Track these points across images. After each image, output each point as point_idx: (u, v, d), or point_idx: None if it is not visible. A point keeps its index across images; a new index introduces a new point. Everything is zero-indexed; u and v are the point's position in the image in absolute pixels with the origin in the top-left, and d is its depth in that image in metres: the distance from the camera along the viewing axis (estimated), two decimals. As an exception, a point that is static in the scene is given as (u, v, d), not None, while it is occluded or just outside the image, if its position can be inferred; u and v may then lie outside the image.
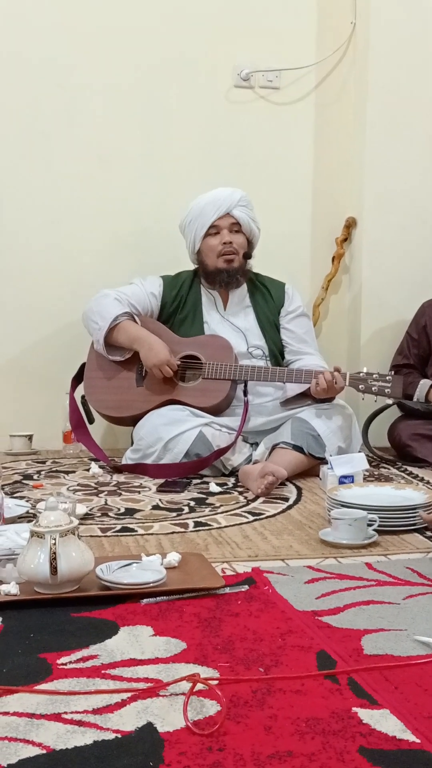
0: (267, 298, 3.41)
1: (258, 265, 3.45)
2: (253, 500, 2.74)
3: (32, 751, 1.19)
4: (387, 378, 3.06)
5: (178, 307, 3.37)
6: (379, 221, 3.84)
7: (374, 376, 3.07)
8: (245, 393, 3.20)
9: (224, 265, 3.30)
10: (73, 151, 3.70)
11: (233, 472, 3.10)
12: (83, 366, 3.41)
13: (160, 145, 3.77)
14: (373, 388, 3.06)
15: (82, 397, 3.39)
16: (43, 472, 3.20)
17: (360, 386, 3.08)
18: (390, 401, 3.13)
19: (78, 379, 3.42)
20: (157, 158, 3.77)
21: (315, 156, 3.93)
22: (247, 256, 3.37)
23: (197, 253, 3.34)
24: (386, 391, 3.05)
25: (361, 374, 3.09)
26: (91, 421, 3.39)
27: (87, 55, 3.67)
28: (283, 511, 2.61)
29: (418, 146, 3.83)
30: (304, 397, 3.17)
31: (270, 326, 3.38)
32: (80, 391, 3.40)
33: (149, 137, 3.76)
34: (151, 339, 3.20)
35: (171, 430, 3.08)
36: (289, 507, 2.66)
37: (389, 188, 3.82)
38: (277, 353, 3.37)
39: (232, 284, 3.35)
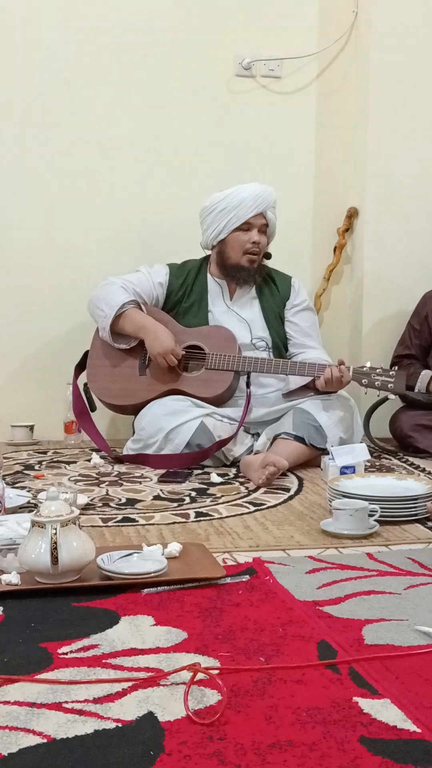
0: (273, 291, 3.41)
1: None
2: (255, 491, 2.74)
3: (33, 740, 1.19)
4: (390, 373, 3.06)
5: (183, 296, 3.36)
6: (380, 212, 3.83)
7: (378, 370, 3.07)
8: (248, 384, 3.19)
9: (247, 264, 3.29)
10: (75, 143, 3.69)
11: (234, 463, 3.10)
12: (86, 354, 3.40)
13: (161, 135, 3.76)
14: (376, 383, 3.06)
15: (85, 384, 3.38)
16: (44, 463, 3.20)
17: (363, 381, 3.08)
18: (392, 396, 3.13)
19: (81, 366, 3.42)
20: (159, 149, 3.76)
21: (317, 146, 3.92)
22: (267, 256, 3.37)
23: (220, 242, 3.31)
24: (389, 386, 3.05)
25: (364, 368, 3.09)
26: (93, 408, 3.39)
27: (88, 47, 3.66)
28: (285, 501, 2.61)
29: (421, 136, 3.81)
30: (306, 389, 3.17)
31: (275, 318, 3.38)
32: (83, 379, 3.40)
33: (151, 128, 3.75)
34: (157, 328, 3.19)
35: (172, 420, 3.07)
36: (291, 497, 2.66)
37: (391, 178, 3.81)
38: (280, 345, 3.36)
39: (249, 282, 3.34)
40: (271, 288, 3.41)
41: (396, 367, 3.18)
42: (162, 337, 3.17)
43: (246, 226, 3.24)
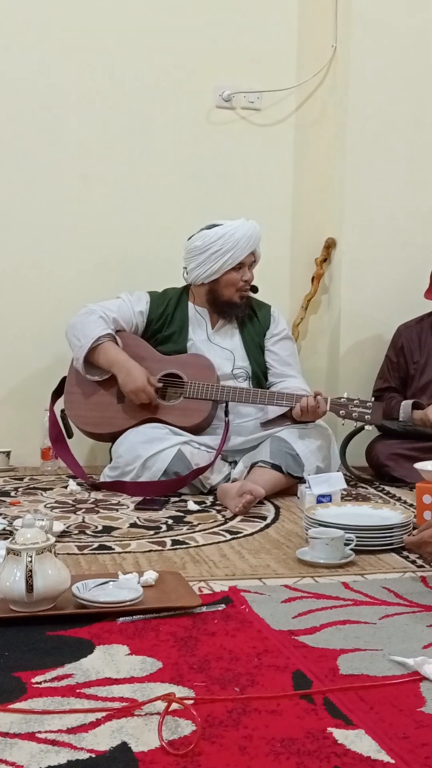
0: (253, 320, 3.42)
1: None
2: (231, 519, 2.74)
3: (5, 771, 1.18)
4: (368, 404, 3.08)
5: (163, 325, 3.37)
6: (358, 242, 3.87)
7: (355, 402, 3.09)
8: (226, 413, 3.20)
9: (239, 300, 3.32)
10: (55, 170, 3.70)
11: (212, 491, 3.10)
12: (64, 380, 3.40)
13: (142, 164, 3.78)
14: (353, 414, 3.08)
15: (62, 411, 3.38)
16: (20, 489, 3.19)
17: (341, 411, 3.10)
18: (369, 428, 3.16)
19: (58, 392, 3.41)
20: (139, 178, 3.78)
21: (295, 177, 3.96)
22: (254, 289, 3.39)
23: (212, 282, 3.30)
24: (366, 417, 3.07)
25: (342, 399, 3.11)
26: (70, 435, 3.38)
27: (69, 74, 3.68)
28: (261, 529, 2.61)
29: (398, 169, 3.86)
30: (284, 418, 3.18)
31: (255, 348, 3.39)
32: (60, 405, 3.39)
33: (131, 157, 3.77)
34: (129, 364, 3.19)
35: (149, 448, 3.07)
36: (267, 526, 2.66)
37: (369, 210, 3.86)
38: (260, 374, 3.38)
39: (239, 316, 3.36)
40: (251, 317, 3.42)
41: (373, 398, 3.20)
42: (135, 374, 3.16)
43: (238, 266, 3.26)
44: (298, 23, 3.90)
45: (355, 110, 3.82)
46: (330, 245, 3.95)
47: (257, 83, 3.86)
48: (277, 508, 2.89)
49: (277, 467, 3.02)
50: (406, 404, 3.46)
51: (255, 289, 3.40)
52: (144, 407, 3.22)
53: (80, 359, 3.23)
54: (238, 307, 3.33)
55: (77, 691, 1.44)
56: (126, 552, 2.33)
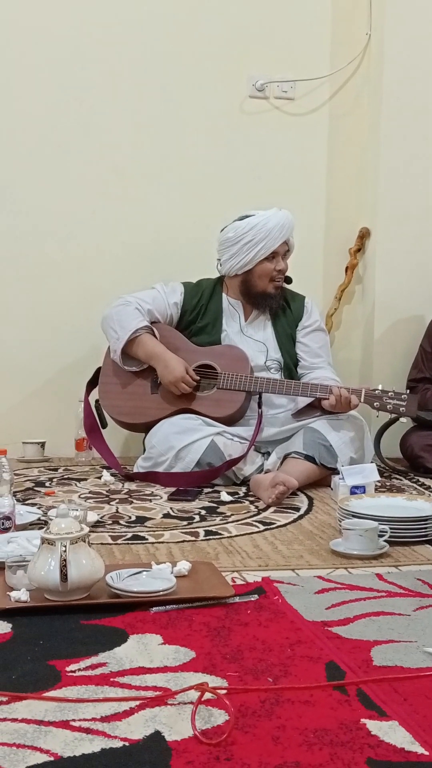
0: (286, 311, 3.41)
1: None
2: (264, 510, 2.74)
3: (40, 758, 1.19)
4: (402, 396, 3.06)
5: (198, 316, 3.37)
6: (392, 232, 3.84)
7: (390, 393, 3.07)
8: (259, 405, 3.20)
9: (273, 291, 3.31)
10: (89, 162, 3.72)
11: (244, 481, 3.10)
12: (98, 371, 3.42)
13: (175, 155, 3.79)
14: (388, 406, 3.06)
15: (96, 401, 3.40)
16: (55, 480, 3.21)
17: (375, 404, 3.08)
18: (404, 420, 3.13)
19: (93, 383, 3.43)
20: (172, 169, 3.79)
21: (329, 166, 3.94)
22: (288, 280, 3.38)
23: (246, 272, 3.30)
24: (401, 409, 3.05)
25: (376, 391, 3.09)
26: (105, 425, 3.40)
27: (102, 67, 3.70)
28: (294, 520, 2.61)
29: (432, 157, 3.83)
30: (314, 408, 3.17)
31: (287, 339, 3.38)
32: (95, 395, 3.41)
33: (165, 148, 3.78)
34: (167, 356, 3.20)
35: (183, 438, 3.08)
36: (300, 517, 2.66)
37: (403, 199, 3.83)
38: (291, 366, 3.37)
39: (273, 307, 3.35)
40: (284, 309, 3.41)
41: (408, 390, 3.18)
42: (172, 365, 3.17)
43: (271, 255, 3.25)
44: (331, 11, 3.88)
45: (389, 99, 3.79)
46: (364, 235, 3.92)
47: (291, 72, 3.84)
48: (310, 499, 2.88)
49: (310, 458, 3.01)
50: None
51: (289, 280, 3.38)
52: (178, 397, 3.23)
53: (118, 351, 3.24)
54: (272, 298, 3.32)
55: (111, 679, 1.45)
56: (159, 542, 2.34)
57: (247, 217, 3.26)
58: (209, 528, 2.50)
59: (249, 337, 3.35)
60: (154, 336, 3.27)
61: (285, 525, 2.55)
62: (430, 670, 1.49)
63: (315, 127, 3.92)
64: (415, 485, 3.15)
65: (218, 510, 2.74)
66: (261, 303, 3.34)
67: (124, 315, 3.27)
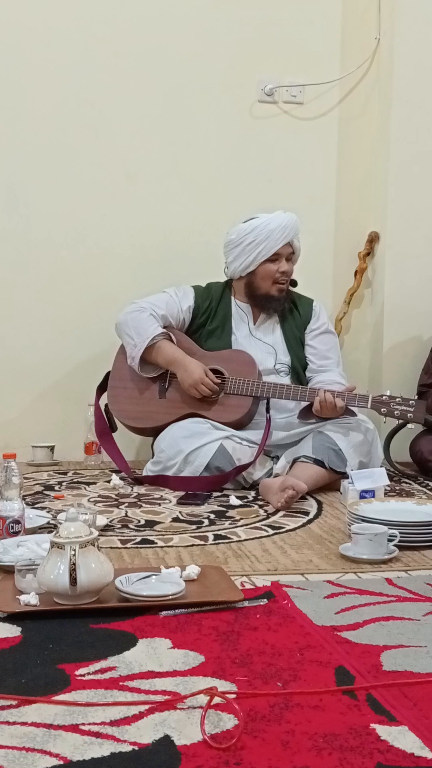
0: (294, 314, 3.41)
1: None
2: (273, 514, 2.74)
3: (49, 762, 1.19)
4: (410, 402, 3.05)
5: (207, 319, 3.37)
6: (402, 236, 3.83)
7: (397, 399, 3.06)
8: (267, 410, 3.20)
9: (276, 293, 3.30)
10: (99, 165, 3.73)
11: (253, 485, 3.10)
12: (108, 375, 3.42)
13: (185, 159, 3.79)
14: (395, 412, 3.06)
15: (105, 405, 3.40)
16: (64, 483, 3.22)
17: (382, 410, 3.07)
18: (412, 426, 3.12)
19: (103, 387, 3.44)
20: (182, 173, 3.79)
21: (338, 170, 3.94)
22: (293, 283, 3.38)
23: (249, 274, 3.30)
24: (408, 415, 3.05)
25: (383, 397, 3.08)
26: (114, 429, 3.41)
27: (112, 70, 3.71)
28: (303, 525, 2.61)
29: (442, 161, 3.82)
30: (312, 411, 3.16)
31: (295, 342, 3.38)
32: (104, 400, 3.42)
33: (174, 152, 3.78)
34: (186, 360, 3.20)
35: (192, 442, 3.08)
36: (310, 521, 2.65)
37: (412, 203, 3.82)
38: (299, 369, 3.36)
39: (278, 310, 3.35)
40: (293, 312, 3.41)
41: (417, 396, 3.17)
42: (191, 368, 3.18)
43: (274, 257, 3.25)
44: (341, 15, 3.87)
45: (399, 102, 3.78)
46: (373, 239, 3.92)
47: (300, 77, 3.84)
48: (319, 504, 2.88)
49: (319, 462, 3.00)
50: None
51: (294, 283, 3.38)
52: (186, 402, 3.23)
53: (136, 358, 3.25)
54: (277, 300, 3.32)
55: (120, 683, 1.45)
56: (168, 546, 2.34)
57: (251, 219, 3.27)
58: (218, 532, 2.50)
59: (258, 340, 3.35)
60: (172, 341, 3.27)
61: (294, 529, 2.55)
62: (440, 675, 1.48)
63: (324, 131, 3.91)
64: (424, 489, 3.14)
65: (227, 514, 2.74)
66: (266, 306, 3.34)
67: (139, 322, 3.27)
